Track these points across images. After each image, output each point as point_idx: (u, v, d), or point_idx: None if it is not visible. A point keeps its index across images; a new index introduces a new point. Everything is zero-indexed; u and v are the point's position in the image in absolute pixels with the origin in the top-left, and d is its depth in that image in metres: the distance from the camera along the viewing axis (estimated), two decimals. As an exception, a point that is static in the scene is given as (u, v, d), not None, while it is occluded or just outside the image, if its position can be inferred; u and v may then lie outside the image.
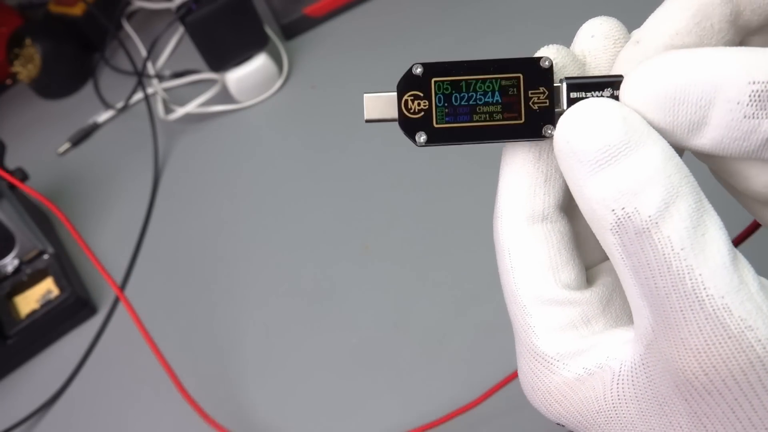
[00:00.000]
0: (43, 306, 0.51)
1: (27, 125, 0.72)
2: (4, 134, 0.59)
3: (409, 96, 0.17)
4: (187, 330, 0.50)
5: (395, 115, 0.18)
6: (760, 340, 0.13)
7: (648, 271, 0.14)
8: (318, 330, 0.47)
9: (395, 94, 0.17)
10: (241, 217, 0.56)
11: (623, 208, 0.14)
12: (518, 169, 0.18)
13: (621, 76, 0.16)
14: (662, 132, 0.15)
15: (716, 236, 0.14)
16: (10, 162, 0.56)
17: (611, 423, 0.16)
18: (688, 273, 0.14)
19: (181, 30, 0.73)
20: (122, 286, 0.53)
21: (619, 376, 0.16)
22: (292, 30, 0.68)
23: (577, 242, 0.18)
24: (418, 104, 0.17)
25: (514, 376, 0.33)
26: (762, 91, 0.14)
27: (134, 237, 0.56)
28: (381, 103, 0.18)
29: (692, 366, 0.14)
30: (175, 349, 0.48)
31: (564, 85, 0.17)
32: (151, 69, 0.71)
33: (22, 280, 0.53)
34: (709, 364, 0.14)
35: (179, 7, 0.59)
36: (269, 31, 0.64)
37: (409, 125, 0.18)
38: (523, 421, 0.39)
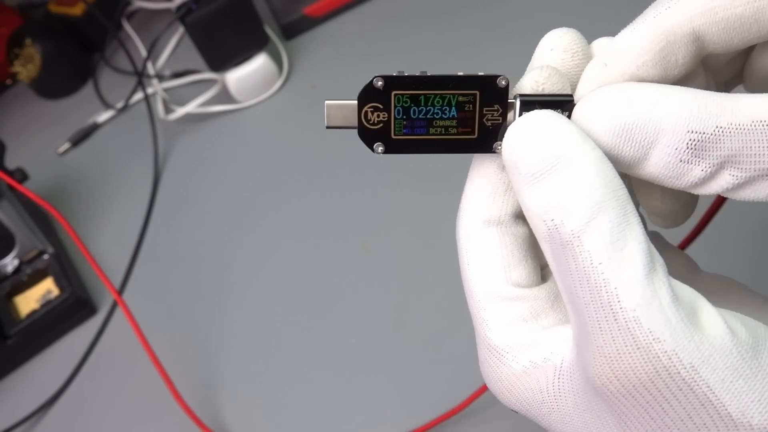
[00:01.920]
0: (43, 306, 0.51)
1: (27, 125, 0.72)
2: (4, 134, 0.59)
3: (369, 107, 0.18)
4: (186, 329, 0.50)
5: (355, 123, 0.18)
6: (666, 351, 0.14)
7: (571, 281, 0.15)
8: (317, 330, 0.47)
9: (356, 103, 0.18)
10: (240, 217, 0.56)
11: (552, 220, 0.16)
12: (482, 177, 0.19)
13: (571, 96, 0.17)
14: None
15: (634, 251, 0.15)
16: (10, 162, 0.56)
17: (553, 414, 0.17)
18: (605, 286, 0.15)
19: (181, 30, 0.73)
20: (122, 286, 0.53)
21: (560, 371, 0.17)
22: (292, 30, 0.68)
23: (533, 243, 0.20)
24: (378, 115, 0.18)
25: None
26: (697, 140, 0.15)
27: (134, 237, 0.56)
28: (342, 111, 0.18)
29: (606, 373, 0.15)
30: (174, 348, 0.49)
31: (518, 102, 0.17)
32: (151, 69, 0.71)
33: (22, 280, 0.53)
34: (620, 372, 0.15)
35: (179, 7, 0.59)
36: (269, 31, 0.64)
37: (368, 135, 0.18)
38: (519, 420, 0.39)
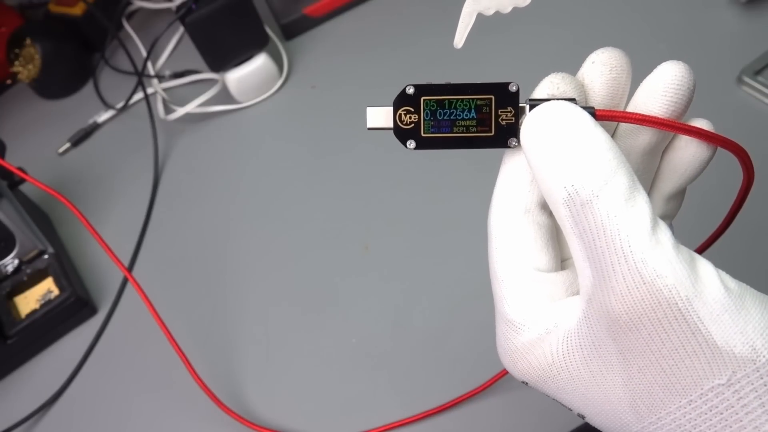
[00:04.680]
0: (43, 306, 0.51)
1: (27, 125, 0.72)
2: (4, 134, 0.59)
3: (402, 110, 0.22)
4: (186, 331, 0.50)
5: (391, 125, 0.22)
6: (667, 285, 0.17)
7: (590, 234, 0.18)
8: (318, 329, 0.47)
9: (392, 108, 0.22)
10: (241, 217, 0.56)
11: (572, 185, 0.19)
12: (512, 170, 0.22)
13: (574, 100, 0.20)
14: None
15: (643, 208, 0.18)
16: (10, 162, 0.55)
17: (561, 373, 0.20)
18: (618, 234, 0.18)
19: (181, 30, 0.73)
20: (122, 287, 0.53)
21: (568, 331, 0.20)
22: (292, 30, 0.68)
23: (554, 233, 0.22)
24: (410, 117, 0.22)
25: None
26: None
27: (134, 237, 0.56)
28: (380, 115, 0.22)
29: (618, 307, 0.18)
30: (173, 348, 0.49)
31: (528, 106, 0.21)
32: (151, 69, 0.71)
33: (22, 280, 0.53)
34: (629, 304, 0.18)
35: (179, 7, 0.59)
36: (269, 31, 0.64)
37: (402, 134, 0.22)
38: (516, 416, 0.39)
